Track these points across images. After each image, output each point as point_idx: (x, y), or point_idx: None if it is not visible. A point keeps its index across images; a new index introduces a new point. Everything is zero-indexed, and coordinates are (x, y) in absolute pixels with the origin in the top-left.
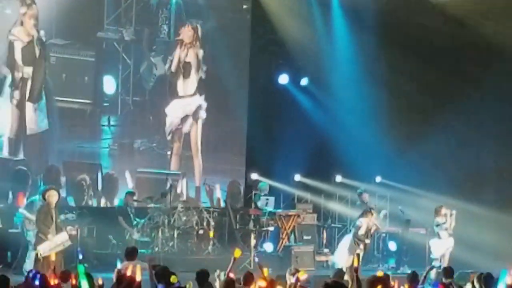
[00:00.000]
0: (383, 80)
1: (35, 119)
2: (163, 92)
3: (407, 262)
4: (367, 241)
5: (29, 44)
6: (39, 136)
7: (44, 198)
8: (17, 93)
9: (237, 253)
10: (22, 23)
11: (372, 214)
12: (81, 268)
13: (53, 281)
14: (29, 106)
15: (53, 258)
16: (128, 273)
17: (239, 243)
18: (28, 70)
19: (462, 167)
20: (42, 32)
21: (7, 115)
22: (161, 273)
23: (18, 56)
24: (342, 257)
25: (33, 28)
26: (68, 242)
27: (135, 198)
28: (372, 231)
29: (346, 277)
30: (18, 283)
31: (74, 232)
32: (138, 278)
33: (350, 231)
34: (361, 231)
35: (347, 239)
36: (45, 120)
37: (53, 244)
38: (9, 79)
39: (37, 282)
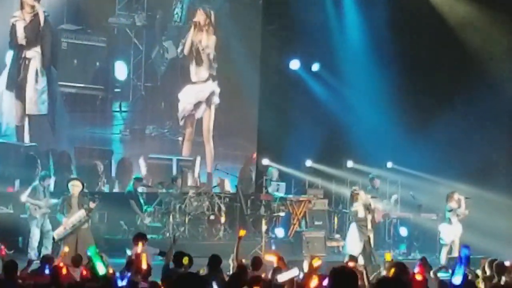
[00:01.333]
0: (395, 66)
1: (35, 100)
2: (175, 77)
3: (418, 247)
4: (369, 216)
5: (31, 22)
6: (39, 120)
7: (67, 187)
8: (19, 75)
9: (242, 232)
10: (22, 7)
11: (358, 194)
12: (92, 250)
13: (64, 270)
14: (29, 86)
15: (66, 249)
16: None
17: (250, 229)
18: (31, 50)
19: (474, 152)
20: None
21: (11, 100)
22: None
23: (21, 36)
24: (353, 245)
25: (35, 2)
26: (85, 218)
27: (143, 183)
28: (371, 206)
29: (359, 262)
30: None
31: (93, 205)
32: (144, 266)
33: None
34: (360, 214)
35: (353, 228)
36: (45, 103)
37: (68, 226)
38: (10, 64)
39: (47, 271)
